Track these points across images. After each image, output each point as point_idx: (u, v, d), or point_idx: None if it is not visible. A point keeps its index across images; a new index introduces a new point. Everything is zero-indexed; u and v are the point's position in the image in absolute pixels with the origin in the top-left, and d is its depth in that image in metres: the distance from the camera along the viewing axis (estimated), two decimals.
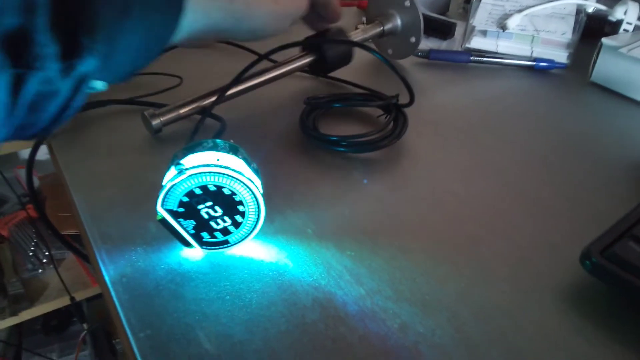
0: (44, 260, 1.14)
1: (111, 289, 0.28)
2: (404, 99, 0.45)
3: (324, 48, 0.48)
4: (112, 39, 0.26)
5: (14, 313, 1.06)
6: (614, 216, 0.32)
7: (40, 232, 1.17)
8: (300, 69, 0.49)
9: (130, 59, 0.29)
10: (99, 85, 0.28)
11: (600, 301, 0.29)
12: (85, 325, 1.19)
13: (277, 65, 0.47)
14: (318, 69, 0.50)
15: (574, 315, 0.28)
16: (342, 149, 0.41)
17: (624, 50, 0.52)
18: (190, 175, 0.27)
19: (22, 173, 1.30)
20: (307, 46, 0.49)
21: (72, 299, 1.10)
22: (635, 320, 0.28)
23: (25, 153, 1.38)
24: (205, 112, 0.41)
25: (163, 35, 0.30)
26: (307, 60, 0.48)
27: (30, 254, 1.14)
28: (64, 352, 1.24)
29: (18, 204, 1.26)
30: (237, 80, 0.43)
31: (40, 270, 1.13)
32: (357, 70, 0.56)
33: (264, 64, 0.45)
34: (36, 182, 1.28)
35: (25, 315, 1.08)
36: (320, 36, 0.49)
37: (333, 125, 0.45)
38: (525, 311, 0.28)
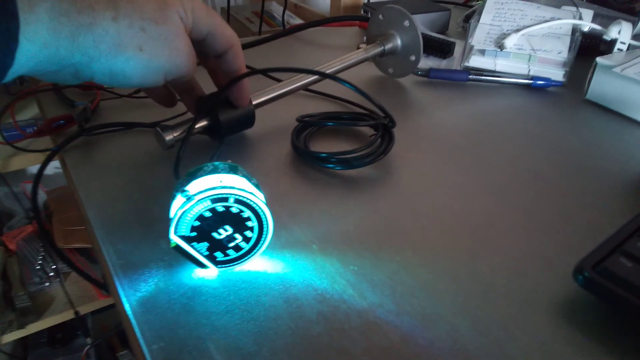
0: (51, 274, 1.15)
1: (125, 303, 0.30)
2: (400, 119, 0.46)
3: (218, 112, 0.43)
4: None
5: (21, 326, 1.07)
6: (608, 231, 0.33)
7: (48, 245, 1.18)
8: (195, 134, 0.43)
9: None
10: None
11: (593, 314, 0.30)
12: (89, 340, 1.20)
13: (177, 123, 0.43)
14: (215, 134, 0.45)
15: (567, 328, 0.29)
16: (331, 165, 0.43)
17: (617, 69, 0.53)
18: (198, 200, 0.29)
19: (29, 188, 1.32)
20: (198, 110, 0.44)
21: (76, 312, 1.12)
22: (626, 334, 0.29)
23: (33, 169, 1.40)
24: (187, 136, 0.41)
25: None
26: (201, 124, 0.43)
27: (38, 267, 1.15)
28: None
29: (25, 218, 1.28)
30: (210, 108, 0.43)
31: (47, 284, 1.14)
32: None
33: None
34: (43, 196, 1.30)
35: (32, 328, 1.09)
36: (213, 96, 0.43)
37: (326, 142, 0.47)
38: (521, 324, 0.29)
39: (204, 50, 0.40)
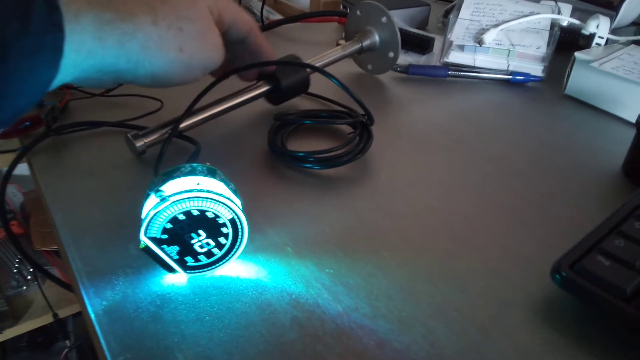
0: (29, 277, 1.13)
1: (91, 312, 0.29)
2: (379, 116, 0.45)
3: (279, 77, 0.47)
4: None
5: None
6: (587, 228, 0.33)
7: (25, 248, 1.16)
8: (256, 98, 0.48)
9: (8, 105, 0.27)
10: None
11: (571, 314, 0.30)
12: (67, 342, 1.17)
13: (232, 95, 0.46)
14: (275, 98, 0.50)
15: (545, 328, 0.29)
16: (308, 165, 0.42)
17: (595, 64, 0.53)
18: (174, 202, 0.28)
19: None
20: (261, 76, 0.48)
21: (54, 315, 1.09)
22: (604, 333, 0.29)
23: None
24: (170, 135, 0.41)
25: (42, 78, 0.28)
26: (262, 89, 0.48)
27: (15, 270, 1.13)
28: None
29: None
30: (191, 109, 0.42)
31: (24, 287, 1.12)
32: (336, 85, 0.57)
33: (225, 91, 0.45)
34: (20, 198, 1.27)
35: (10, 333, 1.06)
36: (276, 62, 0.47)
37: (303, 141, 0.46)
38: (499, 325, 0.29)
39: (226, 40, 0.40)
